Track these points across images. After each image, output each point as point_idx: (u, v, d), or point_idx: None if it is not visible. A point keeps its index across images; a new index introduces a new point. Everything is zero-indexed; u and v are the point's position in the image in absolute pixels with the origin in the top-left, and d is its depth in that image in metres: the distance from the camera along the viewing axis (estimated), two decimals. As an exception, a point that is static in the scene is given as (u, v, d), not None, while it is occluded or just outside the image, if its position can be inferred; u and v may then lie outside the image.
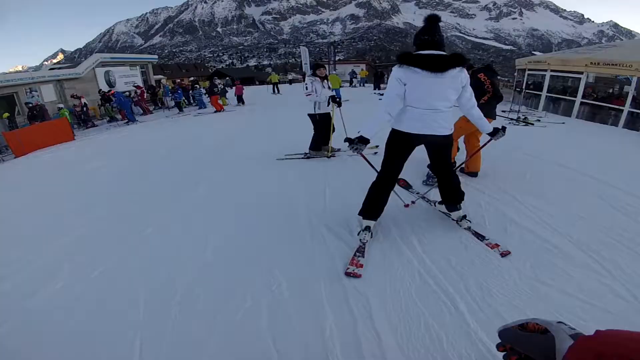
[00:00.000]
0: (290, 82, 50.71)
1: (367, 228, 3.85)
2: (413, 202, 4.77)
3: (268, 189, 5.94)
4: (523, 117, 14.03)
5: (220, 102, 20.86)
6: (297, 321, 2.76)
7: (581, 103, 16.46)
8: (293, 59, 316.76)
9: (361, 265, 3.37)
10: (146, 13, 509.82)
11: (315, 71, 7.18)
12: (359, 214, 3.98)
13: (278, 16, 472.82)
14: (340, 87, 20.11)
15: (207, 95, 19.97)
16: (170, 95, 21.50)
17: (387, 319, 2.71)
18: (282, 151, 8.13)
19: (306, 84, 7.12)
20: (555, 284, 3.04)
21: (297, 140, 8.59)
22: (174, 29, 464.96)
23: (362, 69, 41.15)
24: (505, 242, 3.73)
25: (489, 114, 5.26)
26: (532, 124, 11.06)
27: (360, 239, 3.80)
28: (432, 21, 3.53)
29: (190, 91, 21.73)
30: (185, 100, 21.16)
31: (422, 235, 3.97)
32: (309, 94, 7.03)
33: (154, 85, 25.53)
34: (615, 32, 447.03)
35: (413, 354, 2.40)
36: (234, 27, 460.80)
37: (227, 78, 43.94)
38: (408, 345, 2.46)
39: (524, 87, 20.99)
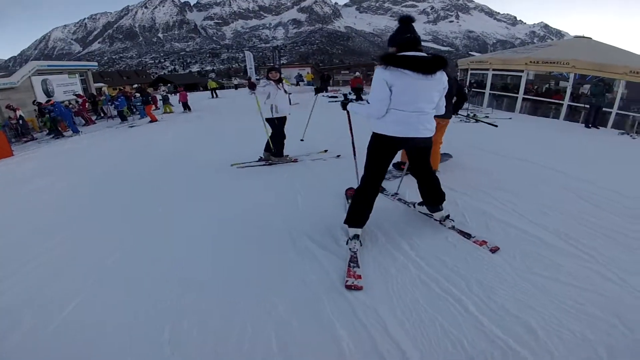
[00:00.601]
0: (236, 86, 50.00)
1: (356, 236, 3.65)
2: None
3: (236, 203, 5.37)
4: (472, 114, 14.39)
5: (163, 109, 20.35)
6: (310, 345, 2.53)
7: (523, 99, 17.63)
8: (236, 64, 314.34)
9: (359, 276, 3.17)
10: (84, 18, 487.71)
11: (267, 74, 7.00)
12: (345, 222, 3.77)
13: (220, 21, 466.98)
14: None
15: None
16: (110, 103, 20.22)
17: (404, 329, 2.56)
18: (239, 159, 7.64)
19: (262, 85, 6.92)
20: (548, 274, 3.12)
21: (251, 145, 8.31)
22: (114, 34, 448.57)
23: (307, 72, 41.04)
24: (490, 238, 3.73)
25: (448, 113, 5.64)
26: (494, 125, 11.18)
27: (350, 249, 3.59)
28: (411, 21, 3.45)
29: (133, 99, 20.47)
30: (128, 109, 19.86)
31: (410, 238, 3.84)
32: (253, 93, 7.03)
33: (95, 94, 24.11)
34: (546, 32, 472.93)
35: (440, 361, 2.33)
36: (176, 32, 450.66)
37: (169, 84, 42.86)
38: (432, 354, 2.36)
39: (467, 85, 21.71)
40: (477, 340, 2.42)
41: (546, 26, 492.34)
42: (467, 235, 3.81)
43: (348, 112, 4.15)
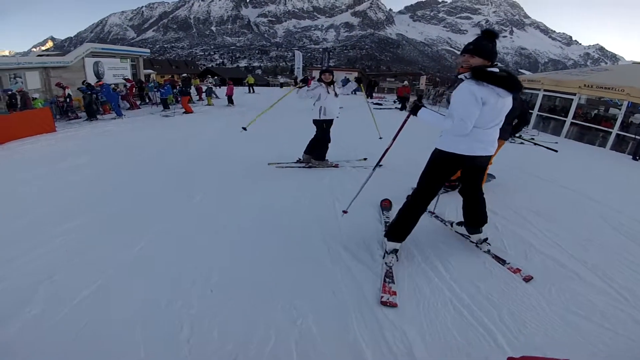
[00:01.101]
0: (282, 85, 50.35)
1: (395, 251, 3.62)
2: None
3: (271, 202, 5.37)
4: (518, 135, 13.97)
5: (206, 101, 20.88)
6: (332, 361, 2.50)
7: (571, 123, 16.85)
8: (284, 63, 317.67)
9: (394, 293, 3.13)
10: (142, 6, 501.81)
11: (320, 76, 6.89)
12: (386, 235, 3.73)
13: (274, 19, 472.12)
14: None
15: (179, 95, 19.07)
16: (156, 90, 20.34)
17: (430, 356, 2.52)
18: (278, 158, 7.70)
19: (311, 88, 6.82)
20: (582, 312, 3.05)
21: (293, 146, 8.25)
22: (168, 24, 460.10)
23: (354, 77, 40.99)
24: (526, 268, 3.66)
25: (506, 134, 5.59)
26: (554, 150, 10.82)
27: (386, 263, 3.54)
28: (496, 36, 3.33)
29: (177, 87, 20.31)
30: (173, 98, 19.74)
31: (446, 259, 3.77)
32: (298, 94, 6.94)
33: (142, 80, 24.47)
34: (601, 55, 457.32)
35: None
36: (229, 27, 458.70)
37: (216, 77, 43.41)
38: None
39: None
40: (501, 375, 2.36)
41: (602, 49, 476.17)
42: (502, 262, 3.75)
43: (407, 117, 3.83)
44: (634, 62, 20.07)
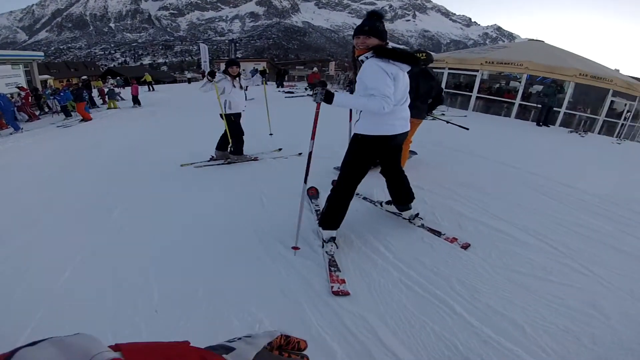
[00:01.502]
0: (189, 80, 48.68)
1: (332, 239, 3.52)
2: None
3: (199, 207, 4.99)
4: (442, 114, 14.63)
5: (107, 104, 19.44)
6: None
7: (477, 97, 18.27)
8: (190, 57, 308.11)
9: (343, 281, 3.02)
10: (32, 5, 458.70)
11: (227, 69, 6.54)
12: (320, 224, 3.64)
13: (176, 12, 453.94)
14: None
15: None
16: (52, 97, 18.32)
17: (397, 338, 2.46)
18: (191, 158, 7.24)
19: (215, 80, 6.47)
20: (525, 270, 3.23)
21: (205, 144, 7.74)
22: (63, 23, 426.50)
23: (263, 67, 40.49)
24: (462, 236, 3.77)
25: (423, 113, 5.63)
26: (465, 128, 11.35)
27: (326, 252, 3.44)
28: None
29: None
30: (72, 103, 17.80)
31: (385, 239, 3.74)
32: (202, 87, 6.47)
33: (37, 87, 22.34)
34: (499, 34, 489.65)
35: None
36: (128, 22, 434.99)
37: (118, 78, 41.25)
38: (430, 360, 2.31)
39: None
40: (470, 342, 2.42)
41: (499, 28, 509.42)
42: (437, 233, 3.81)
43: (318, 108, 3.44)
44: (530, 39, 21.84)
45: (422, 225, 3.95)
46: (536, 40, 21.15)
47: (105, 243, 4.04)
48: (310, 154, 3.43)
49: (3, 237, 4.34)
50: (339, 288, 2.93)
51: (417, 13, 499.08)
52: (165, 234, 4.18)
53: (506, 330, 2.49)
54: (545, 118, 13.83)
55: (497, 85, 19.63)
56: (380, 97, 2.94)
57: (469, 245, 3.57)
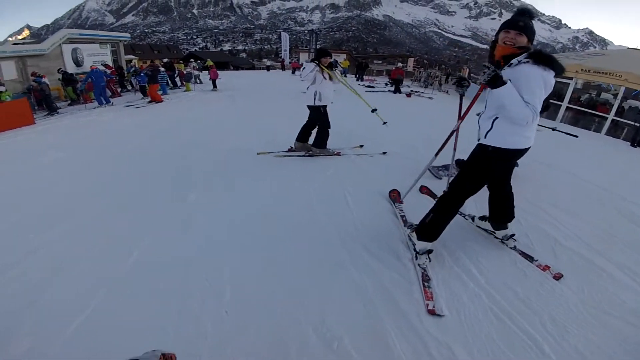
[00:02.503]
0: (268, 68, 49.50)
1: (428, 251, 3.42)
2: None
3: (275, 200, 4.95)
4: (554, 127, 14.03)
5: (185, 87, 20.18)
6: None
7: (567, 108, 16.99)
8: (269, 45, 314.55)
9: (433, 299, 2.97)
10: None
11: (320, 58, 6.39)
12: (418, 234, 3.52)
13: (257, 1, 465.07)
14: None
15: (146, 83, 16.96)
16: (133, 77, 19.39)
17: None
18: (269, 146, 7.34)
19: (304, 67, 6.47)
20: (616, 312, 3.01)
21: (285, 133, 7.83)
22: (148, 8, 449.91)
23: (344, 59, 40.25)
24: (554, 264, 3.59)
25: None
26: (574, 135, 10.86)
27: (419, 265, 3.37)
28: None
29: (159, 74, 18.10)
30: (167, 83, 18.99)
31: (477, 260, 3.59)
32: (304, 80, 6.43)
33: (122, 66, 23.42)
34: (590, 39, 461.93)
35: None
36: (211, 9, 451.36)
37: (199, 61, 42.56)
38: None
39: None
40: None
41: (591, 32, 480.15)
42: (530, 258, 3.65)
43: (480, 90, 3.25)
44: (629, 48, 20.23)
45: (515, 248, 3.79)
46: (636, 49, 19.65)
47: (177, 232, 4.11)
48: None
49: (79, 208, 4.79)
50: (434, 307, 2.86)
51: (503, 11, 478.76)
52: (241, 227, 4.17)
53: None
54: None
55: (587, 95, 17.97)
56: (532, 109, 2.75)
57: (562, 276, 3.39)
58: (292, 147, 7.07)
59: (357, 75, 29.62)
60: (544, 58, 2.76)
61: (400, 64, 26.38)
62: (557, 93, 17.71)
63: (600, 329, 2.80)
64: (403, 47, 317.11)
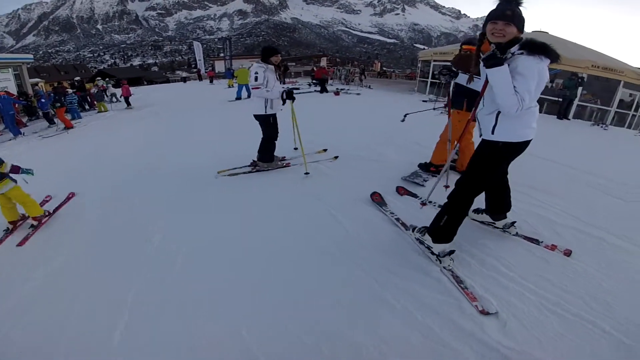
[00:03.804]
0: (184, 80, 47.57)
1: (451, 252, 3.24)
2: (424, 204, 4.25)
3: (256, 230, 4.15)
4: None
5: (97, 108, 18.16)
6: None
7: None
8: (180, 57, 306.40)
9: (475, 299, 2.82)
10: (18, 9, 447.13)
11: (269, 57, 5.53)
12: (434, 238, 3.31)
13: (163, 12, 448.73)
14: None
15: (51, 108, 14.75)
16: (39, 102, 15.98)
17: None
18: (223, 163, 6.35)
19: (256, 72, 5.37)
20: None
21: (237, 147, 7.11)
22: (50, 26, 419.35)
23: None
24: (560, 242, 3.63)
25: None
26: None
27: (445, 267, 3.17)
28: None
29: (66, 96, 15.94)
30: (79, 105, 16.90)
31: (497, 255, 3.43)
32: (258, 87, 5.37)
33: (26, 91, 20.53)
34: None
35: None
36: (116, 23, 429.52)
37: (107, 79, 40.26)
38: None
39: (430, 77, 22.74)
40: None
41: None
42: (536, 241, 3.64)
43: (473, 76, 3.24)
44: (534, 31, 21.39)
45: (517, 234, 3.73)
46: (541, 31, 20.83)
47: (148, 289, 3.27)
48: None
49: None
50: (482, 307, 2.70)
51: (406, 7, 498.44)
52: (242, 275, 3.36)
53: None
54: (565, 111, 13.62)
55: None
56: (522, 103, 2.63)
57: (571, 251, 3.43)
58: (254, 161, 6.15)
59: (279, 79, 29.21)
60: (538, 47, 2.62)
61: (323, 64, 26.60)
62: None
63: (637, 295, 2.90)
64: (314, 48, 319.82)
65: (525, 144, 2.95)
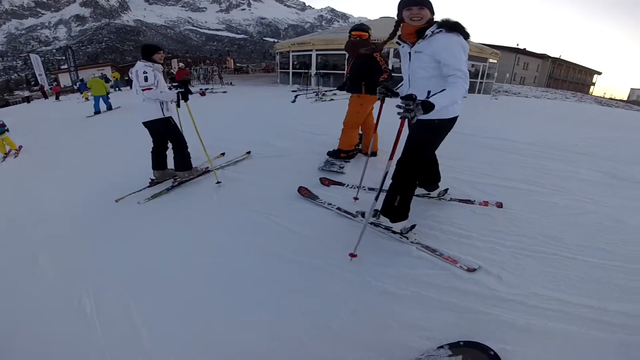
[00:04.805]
0: (28, 99, 40.90)
1: (413, 226, 3.33)
2: (357, 199, 4.26)
3: (225, 259, 3.36)
4: (322, 93, 14.80)
5: None
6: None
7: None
8: (16, 74, 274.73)
9: (455, 261, 2.98)
10: None
11: (151, 55, 4.95)
12: (391, 218, 3.36)
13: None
14: (108, 93, 15.22)
15: None
16: None
17: (589, 297, 2.60)
18: (114, 188, 5.25)
19: (145, 72, 4.68)
20: (570, 211, 3.85)
21: (125, 169, 6.11)
22: None
23: (113, 72, 37.03)
24: (487, 198, 4.08)
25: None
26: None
27: (412, 242, 3.26)
28: None
29: None
30: None
31: (452, 222, 3.61)
32: (149, 88, 4.69)
33: None
34: (333, 16, 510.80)
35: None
36: None
37: None
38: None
39: (291, 67, 23.02)
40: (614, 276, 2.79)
41: (332, 10, 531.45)
42: (469, 202, 3.97)
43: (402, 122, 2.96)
44: (382, 17, 23.18)
45: (452, 199, 4.01)
46: (389, 17, 22.36)
47: None
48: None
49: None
50: (466, 266, 2.89)
51: (251, 1, 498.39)
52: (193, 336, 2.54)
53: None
54: None
55: None
56: (464, 78, 2.75)
57: (502, 203, 3.88)
58: (152, 180, 5.36)
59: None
60: (453, 25, 2.82)
61: (182, 64, 25.65)
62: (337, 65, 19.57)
63: (577, 227, 3.48)
64: (163, 50, 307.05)
65: (455, 119, 3.13)
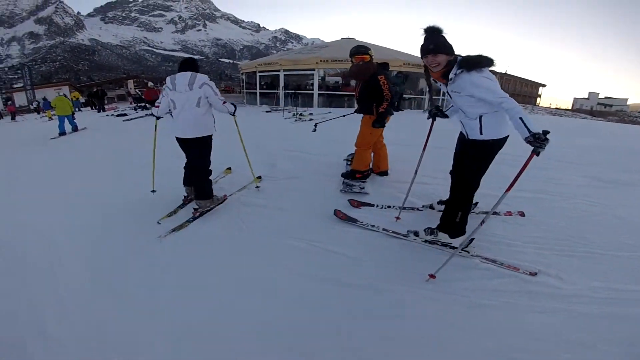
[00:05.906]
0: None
1: (471, 240, 3.45)
2: (398, 218, 4.30)
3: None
4: (299, 113, 14.96)
5: None
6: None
7: (319, 94, 20.28)
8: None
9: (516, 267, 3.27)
10: None
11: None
12: (451, 235, 3.62)
13: None
14: (73, 113, 13.98)
15: None
16: None
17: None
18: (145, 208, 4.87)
19: (211, 84, 4.53)
20: (579, 214, 4.53)
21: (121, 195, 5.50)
22: None
23: (72, 91, 35.48)
24: (510, 209, 4.51)
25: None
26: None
27: (474, 255, 3.45)
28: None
29: None
30: None
31: (490, 232, 3.89)
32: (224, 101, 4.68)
33: None
34: (287, 37, 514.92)
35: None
36: None
37: None
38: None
39: (258, 88, 23.63)
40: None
41: (287, 31, 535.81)
42: (496, 213, 4.18)
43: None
44: (343, 38, 24.16)
45: (479, 212, 4.34)
46: (349, 38, 23.04)
47: None
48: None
49: None
50: (528, 271, 3.18)
51: (207, 22, 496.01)
52: None
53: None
54: (398, 104, 15.26)
55: (334, 83, 21.64)
56: (508, 99, 2.87)
57: (524, 213, 4.42)
58: (186, 196, 5.05)
59: (97, 107, 24.82)
60: (472, 63, 2.94)
61: (151, 84, 25.19)
62: (307, 86, 20.05)
63: (594, 226, 4.14)
64: (117, 70, 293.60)
65: (506, 138, 3.26)
